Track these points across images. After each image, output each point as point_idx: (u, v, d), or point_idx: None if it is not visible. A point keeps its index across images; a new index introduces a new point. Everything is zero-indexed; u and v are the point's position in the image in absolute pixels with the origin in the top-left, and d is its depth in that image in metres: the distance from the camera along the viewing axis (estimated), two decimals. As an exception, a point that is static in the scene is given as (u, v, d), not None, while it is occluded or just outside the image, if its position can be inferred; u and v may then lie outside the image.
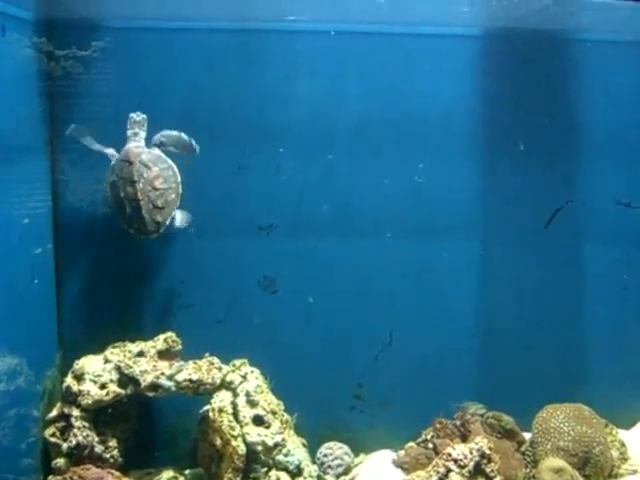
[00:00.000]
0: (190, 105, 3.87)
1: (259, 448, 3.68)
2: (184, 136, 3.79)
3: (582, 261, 4.16)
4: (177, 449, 4.00)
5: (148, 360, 3.72)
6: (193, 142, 3.78)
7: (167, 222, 3.75)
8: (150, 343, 3.79)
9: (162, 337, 3.79)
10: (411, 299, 4.08)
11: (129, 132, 3.78)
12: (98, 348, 3.80)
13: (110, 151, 3.77)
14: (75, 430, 3.62)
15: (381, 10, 3.57)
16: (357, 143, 3.99)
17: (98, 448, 3.64)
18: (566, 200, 4.09)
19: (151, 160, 3.73)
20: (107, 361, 3.72)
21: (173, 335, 3.80)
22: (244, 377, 3.82)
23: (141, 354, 3.74)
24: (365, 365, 4.08)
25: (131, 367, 3.67)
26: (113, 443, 3.69)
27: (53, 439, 3.65)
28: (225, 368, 3.77)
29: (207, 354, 3.76)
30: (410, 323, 4.08)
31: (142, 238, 3.75)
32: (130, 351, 3.75)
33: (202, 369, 3.68)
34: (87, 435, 3.63)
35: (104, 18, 3.83)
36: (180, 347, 3.80)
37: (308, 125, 3.96)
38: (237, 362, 3.86)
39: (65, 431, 3.65)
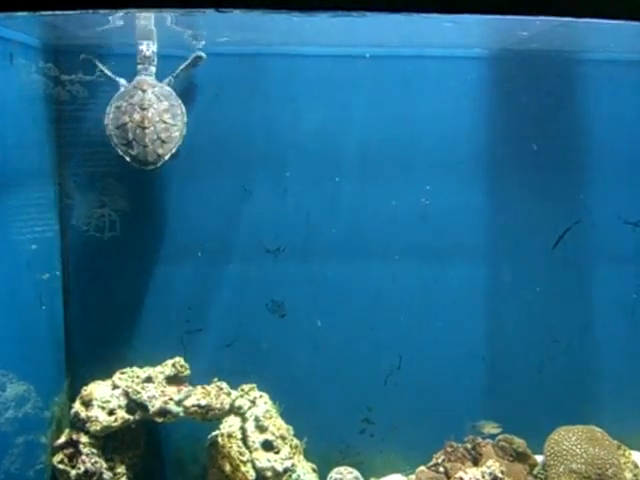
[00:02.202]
0: (196, 129, 3.86)
1: (269, 474, 3.66)
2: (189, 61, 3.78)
3: (591, 281, 4.14)
4: (186, 475, 3.98)
5: (156, 385, 3.70)
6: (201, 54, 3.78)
7: (166, 157, 3.64)
8: (158, 368, 3.77)
9: (170, 362, 3.78)
10: (420, 321, 4.05)
11: (139, 66, 3.69)
12: (106, 374, 3.78)
13: (122, 81, 3.71)
14: (83, 457, 3.61)
15: (386, 34, 3.56)
16: (364, 166, 3.99)
17: (106, 475, 3.62)
18: (574, 220, 4.07)
19: (163, 94, 3.68)
20: (115, 387, 3.71)
21: (181, 360, 3.79)
22: (253, 402, 3.82)
23: (149, 380, 3.72)
24: (375, 388, 4.05)
25: (139, 393, 3.65)
26: (121, 469, 3.67)
27: (61, 466, 3.63)
28: (234, 393, 3.75)
29: (215, 379, 3.74)
30: (419, 346, 4.05)
31: (137, 167, 3.63)
32: (138, 377, 3.74)
33: (211, 394, 3.66)
34: (95, 462, 3.61)
35: (109, 44, 3.83)
36: (188, 372, 3.78)
37: (315, 148, 3.96)
38: (246, 387, 3.85)
39: (73, 458, 3.63)
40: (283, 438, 3.76)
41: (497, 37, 3.74)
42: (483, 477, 3.44)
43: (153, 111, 3.62)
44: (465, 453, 3.81)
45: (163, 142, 3.63)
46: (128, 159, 3.61)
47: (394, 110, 3.97)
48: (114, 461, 3.66)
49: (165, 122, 3.64)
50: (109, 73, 3.73)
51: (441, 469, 3.80)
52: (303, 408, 3.90)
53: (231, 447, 3.68)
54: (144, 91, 3.64)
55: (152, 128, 3.61)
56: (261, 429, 3.74)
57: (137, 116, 3.61)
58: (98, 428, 3.60)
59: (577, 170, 4.11)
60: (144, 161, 3.61)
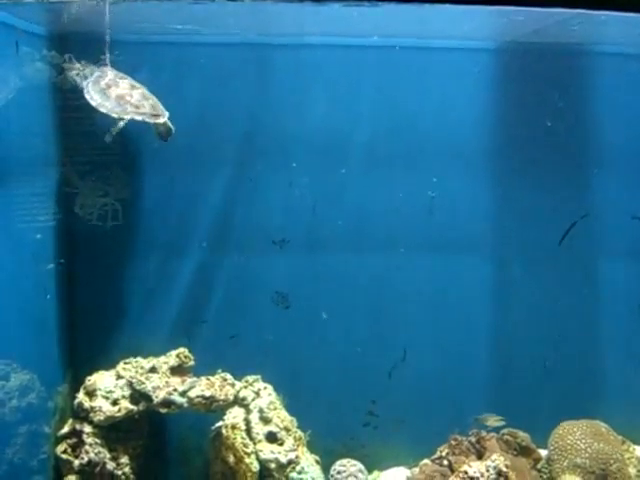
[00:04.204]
0: (202, 119, 3.85)
1: (272, 465, 3.66)
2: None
3: (597, 276, 4.12)
4: (189, 466, 3.97)
5: (160, 376, 3.69)
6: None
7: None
8: (162, 359, 3.76)
9: (174, 353, 3.77)
10: (425, 314, 4.04)
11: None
12: (110, 364, 3.77)
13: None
14: (87, 447, 3.60)
15: (394, 24, 3.54)
16: (370, 157, 3.97)
17: (110, 465, 3.62)
18: (580, 215, 4.04)
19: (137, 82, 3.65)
20: (119, 377, 3.70)
21: (185, 351, 3.78)
22: (257, 393, 3.81)
23: (153, 370, 3.72)
24: (379, 381, 4.04)
25: (143, 383, 3.64)
26: (125, 460, 3.67)
27: (64, 456, 3.62)
28: (238, 384, 3.75)
29: (220, 370, 3.73)
30: (424, 339, 4.04)
31: (151, 123, 3.53)
32: (142, 367, 3.73)
33: (215, 385, 3.65)
34: (99, 452, 3.60)
35: (114, 32, 3.79)
36: (192, 363, 3.78)
37: (321, 139, 3.94)
38: (250, 378, 3.85)
39: (77, 448, 3.63)
40: (287, 430, 3.75)
41: (507, 29, 3.71)
42: (487, 471, 3.42)
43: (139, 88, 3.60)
44: (469, 447, 3.79)
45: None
46: (139, 118, 3.48)
47: (401, 102, 3.95)
48: (117, 451, 3.66)
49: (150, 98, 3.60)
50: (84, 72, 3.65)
51: (445, 462, 3.78)
52: (307, 400, 3.89)
53: (235, 438, 3.67)
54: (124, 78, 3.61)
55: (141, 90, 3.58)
56: (265, 420, 3.73)
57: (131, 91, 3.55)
58: (102, 418, 3.60)
59: (584, 164, 4.09)
60: (157, 113, 3.52)
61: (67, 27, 3.66)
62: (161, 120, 3.54)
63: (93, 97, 3.53)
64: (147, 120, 3.49)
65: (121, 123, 3.48)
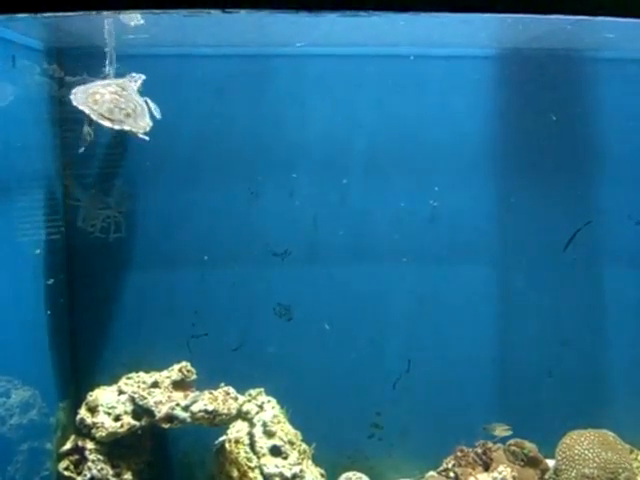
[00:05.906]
0: (202, 131, 3.84)
1: (277, 479, 3.62)
2: None
3: (602, 283, 4.08)
4: (193, 481, 3.95)
5: (163, 391, 3.67)
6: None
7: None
8: (164, 373, 3.74)
9: (176, 367, 3.75)
10: (429, 325, 4.01)
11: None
12: (112, 379, 3.76)
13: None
14: (89, 463, 3.58)
15: (395, 33, 3.52)
16: (372, 167, 3.95)
17: (113, 481, 3.59)
18: (584, 221, 4.01)
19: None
20: (121, 392, 3.68)
21: (188, 365, 3.76)
22: (260, 407, 3.78)
23: (155, 385, 3.70)
24: (383, 393, 4.01)
25: (145, 398, 3.62)
26: (128, 476, 3.64)
27: (67, 473, 3.60)
28: (241, 398, 3.71)
29: (222, 384, 3.70)
30: (428, 349, 4.01)
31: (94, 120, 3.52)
32: (144, 382, 3.71)
33: (218, 399, 3.62)
34: (101, 468, 3.58)
35: (115, 45, 3.79)
36: (195, 377, 3.76)
37: (322, 150, 3.92)
38: (253, 392, 3.82)
39: (79, 464, 3.61)
40: (291, 443, 3.72)
41: (507, 36, 3.69)
42: (494, 483, 3.40)
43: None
44: (476, 458, 3.76)
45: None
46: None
47: (402, 111, 3.93)
48: (120, 467, 3.63)
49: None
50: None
51: (451, 474, 3.75)
52: (311, 413, 3.86)
53: (239, 453, 3.64)
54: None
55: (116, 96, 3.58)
56: (269, 434, 3.70)
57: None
58: (104, 434, 3.57)
59: (588, 171, 4.05)
60: (106, 116, 3.53)
61: (66, 41, 3.66)
62: (107, 124, 3.49)
63: (77, 90, 3.54)
64: (93, 117, 3.47)
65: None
